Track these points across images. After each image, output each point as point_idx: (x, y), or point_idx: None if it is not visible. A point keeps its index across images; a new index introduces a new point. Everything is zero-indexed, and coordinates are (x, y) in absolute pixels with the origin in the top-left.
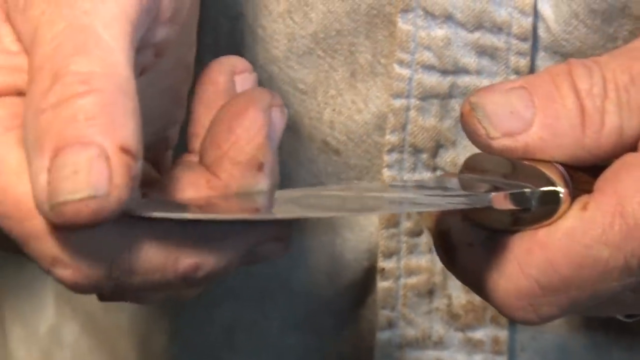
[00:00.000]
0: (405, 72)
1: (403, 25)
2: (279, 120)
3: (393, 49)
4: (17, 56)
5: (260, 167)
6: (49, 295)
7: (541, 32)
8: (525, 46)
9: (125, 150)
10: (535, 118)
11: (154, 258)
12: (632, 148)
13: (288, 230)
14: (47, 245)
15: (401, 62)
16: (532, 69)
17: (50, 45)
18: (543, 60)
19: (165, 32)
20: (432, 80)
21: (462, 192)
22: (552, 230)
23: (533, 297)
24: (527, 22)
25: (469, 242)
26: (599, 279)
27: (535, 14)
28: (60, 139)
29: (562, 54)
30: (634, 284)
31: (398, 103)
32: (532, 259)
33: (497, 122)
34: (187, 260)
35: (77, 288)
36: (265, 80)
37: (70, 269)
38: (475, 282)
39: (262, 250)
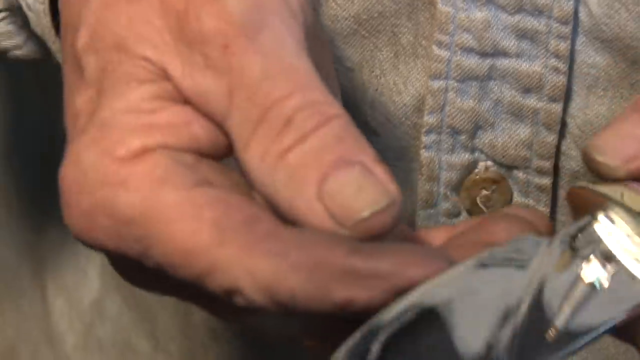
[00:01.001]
0: (443, 53)
1: (443, 7)
2: None
3: (433, 31)
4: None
5: None
6: (93, 269)
7: (582, 15)
8: (566, 29)
9: (378, 161)
10: None
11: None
12: None
13: None
14: (221, 279)
15: (440, 44)
16: (572, 53)
17: (262, 91)
18: (583, 46)
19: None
20: (470, 62)
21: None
22: None
23: None
24: (569, 4)
25: None
26: None
27: None
28: (322, 166)
29: (602, 40)
30: None
31: (436, 84)
32: None
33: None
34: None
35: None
36: None
37: (242, 297)
38: None
39: None
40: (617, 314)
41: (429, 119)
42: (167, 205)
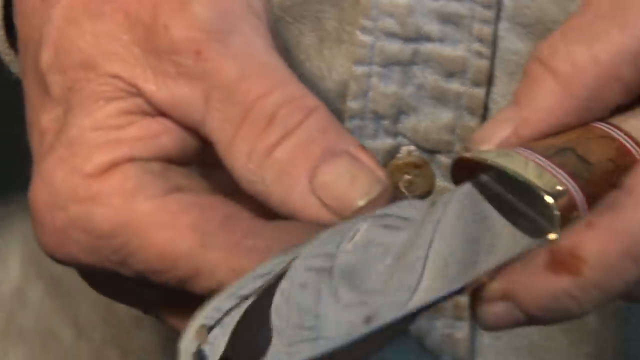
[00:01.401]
0: (367, 39)
1: None
2: None
3: (357, 16)
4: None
5: None
6: (14, 257)
7: (505, 0)
8: (489, 14)
9: (361, 147)
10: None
11: None
12: None
13: None
14: (207, 280)
15: (364, 29)
16: (495, 38)
17: (241, 90)
18: (506, 32)
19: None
20: (394, 47)
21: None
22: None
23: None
24: None
25: None
26: None
27: None
28: (311, 160)
29: (524, 25)
30: None
31: (360, 70)
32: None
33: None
34: None
35: None
36: None
37: None
38: None
39: None
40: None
41: (352, 105)
42: (142, 215)
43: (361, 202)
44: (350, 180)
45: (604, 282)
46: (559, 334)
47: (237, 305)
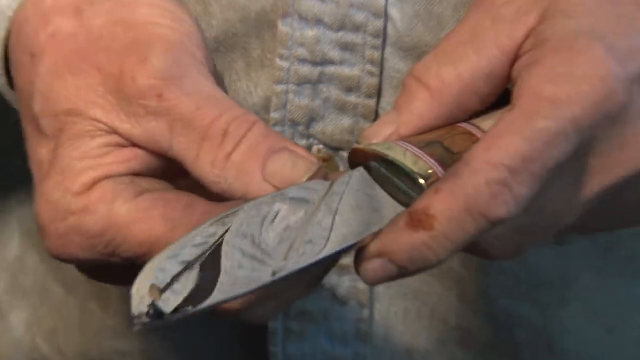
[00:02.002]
0: (284, 64)
1: (283, 27)
2: None
3: (276, 46)
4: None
5: None
6: (14, 232)
7: (389, 30)
8: (377, 42)
9: (294, 143)
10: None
11: None
12: None
13: None
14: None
15: (281, 56)
16: (382, 60)
17: (198, 117)
18: (390, 55)
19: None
20: (305, 70)
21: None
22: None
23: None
24: (379, 22)
25: None
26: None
27: (386, 16)
28: (259, 157)
29: (405, 49)
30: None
31: (279, 88)
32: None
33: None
34: None
35: None
36: None
37: None
38: None
39: None
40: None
41: (274, 115)
42: (121, 215)
43: (304, 178)
44: (292, 166)
45: (451, 234)
46: (434, 281)
47: (183, 270)
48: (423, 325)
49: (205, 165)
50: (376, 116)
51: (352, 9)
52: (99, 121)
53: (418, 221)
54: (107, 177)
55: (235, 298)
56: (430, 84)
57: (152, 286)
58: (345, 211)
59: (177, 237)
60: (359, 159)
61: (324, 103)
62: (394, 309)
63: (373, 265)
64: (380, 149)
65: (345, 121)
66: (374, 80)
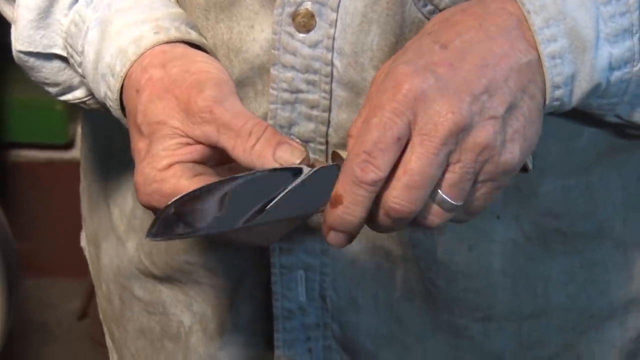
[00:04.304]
0: (275, 92)
1: (273, 72)
2: None
3: (270, 82)
4: (164, 159)
5: None
6: (129, 194)
7: (334, 73)
8: (328, 79)
9: (291, 139)
10: None
11: None
12: None
13: None
14: None
15: (273, 88)
16: (331, 90)
17: (233, 124)
18: (335, 87)
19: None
20: (286, 96)
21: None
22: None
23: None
24: (328, 68)
25: None
26: None
27: (332, 64)
28: (271, 147)
29: (344, 84)
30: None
31: (272, 106)
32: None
33: None
34: None
35: None
36: None
37: None
38: None
39: None
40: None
41: (269, 122)
42: (183, 187)
43: (297, 161)
44: (291, 153)
45: (353, 200)
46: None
47: (193, 206)
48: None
49: (239, 152)
50: (329, 123)
51: (312, 61)
52: (176, 128)
53: (335, 201)
54: (178, 162)
55: (213, 232)
56: (352, 134)
57: (169, 212)
58: (299, 190)
59: None
60: (335, 158)
61: (298, 115)
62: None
63: (330, 237)
64: (343, 155)
65: (310, 126)
66: (326, 102)
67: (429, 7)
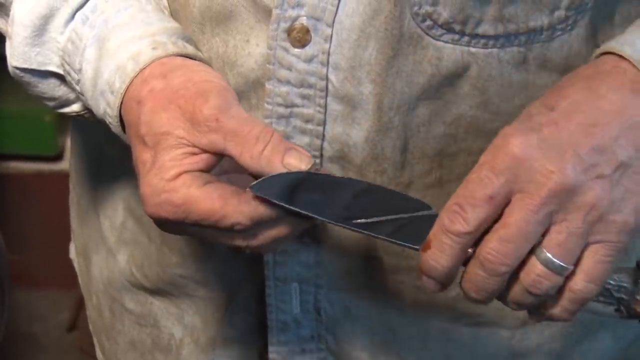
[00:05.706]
0: (270, 107)
1: (268, 86)
2: None
3: (265, 97)
4: (171, 169)
5: None
6: (120, 206)
7: (329, 87)
8: (322, 94)
9: (298, 146)
10: None
11: None
12: None
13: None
14: (228, 220)
15: (268, 102)
16: (325, 104)
17: (239, 131)
18: (330, 101)
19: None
20: (281, 110)
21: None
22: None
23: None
24: (323, 83)
25: None
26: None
27: (327, 79)
28: (280, 153)
29: (339, 98)
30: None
31: (267, 120)
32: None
33: None
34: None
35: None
36: None
37: (239, 225)
38: None
39: None
40: None
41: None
42: (194, 195)
43: (305, 167)
44: (299, 159)
45: (439, 247)
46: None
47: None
48: None
49: (247, 158)
50: (324, 137)
51: (307, 75)
52: (182, 138)
53: (426, 245)
54: (185, 172)
55: (326, 221)
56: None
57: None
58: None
59: (228, 210)
60: None
61: (293, 129)
62: None
63: (423, 279)
64: None
65: (305, 140)
66: (321, 116)
67: (428, 22)
